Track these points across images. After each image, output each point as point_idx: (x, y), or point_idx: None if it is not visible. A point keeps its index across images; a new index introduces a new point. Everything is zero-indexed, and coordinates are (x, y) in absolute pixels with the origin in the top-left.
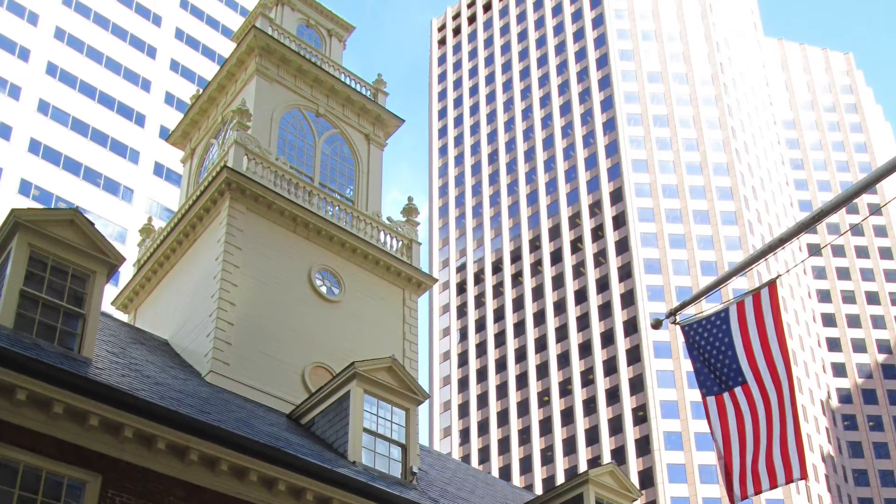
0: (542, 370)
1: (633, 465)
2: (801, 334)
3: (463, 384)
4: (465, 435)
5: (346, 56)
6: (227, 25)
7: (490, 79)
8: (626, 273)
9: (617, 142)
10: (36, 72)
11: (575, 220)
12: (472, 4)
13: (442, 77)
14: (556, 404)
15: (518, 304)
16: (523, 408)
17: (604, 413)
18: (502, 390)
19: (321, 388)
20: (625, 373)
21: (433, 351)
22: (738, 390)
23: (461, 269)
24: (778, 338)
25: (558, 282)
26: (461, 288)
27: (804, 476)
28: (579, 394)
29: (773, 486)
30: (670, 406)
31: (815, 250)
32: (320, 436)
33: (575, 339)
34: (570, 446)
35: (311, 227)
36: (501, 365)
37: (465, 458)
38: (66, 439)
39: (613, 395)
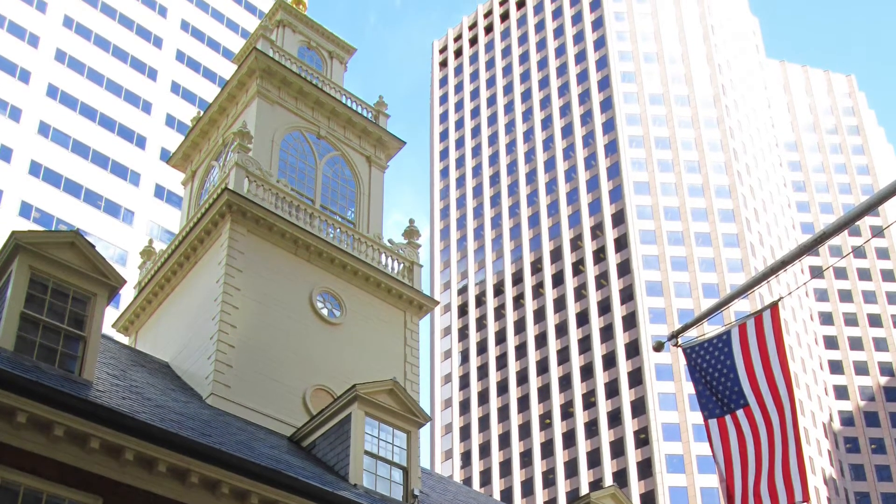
0: (544, 393)
1: (635, 487)
2: (803, 357)
3: (464, 407)
4: (466, 457)
5: (348, 78)
6: (228, 47)
7: (492, 101)
8: (627, 295)
9: (619, 164)
10: (36, 94)
11: (576, 243)
12: (473, 26)
13: (443, 99)
14: (558, 427)
15: (519, 327)
16: (525, 430)
17: (605, 436)
18: (504, 413)
19: (322, 410)
20: (626, 395)
21: (434, 373)
22: (739, 413)
23: (462, 291)
24: (780, 360)
25: (560, 304)
26: (462, 310)
27: (806, 498)
28: (581, 416)
29: None
30: (672, 429)
31: (817, 273)
32: (321, 458)
33: (576, 361)
34: (571, 469)
35: (313, 249)
36: (503, 387)
37: (467, 481)
38: (66, 462)
39: (615, 418)
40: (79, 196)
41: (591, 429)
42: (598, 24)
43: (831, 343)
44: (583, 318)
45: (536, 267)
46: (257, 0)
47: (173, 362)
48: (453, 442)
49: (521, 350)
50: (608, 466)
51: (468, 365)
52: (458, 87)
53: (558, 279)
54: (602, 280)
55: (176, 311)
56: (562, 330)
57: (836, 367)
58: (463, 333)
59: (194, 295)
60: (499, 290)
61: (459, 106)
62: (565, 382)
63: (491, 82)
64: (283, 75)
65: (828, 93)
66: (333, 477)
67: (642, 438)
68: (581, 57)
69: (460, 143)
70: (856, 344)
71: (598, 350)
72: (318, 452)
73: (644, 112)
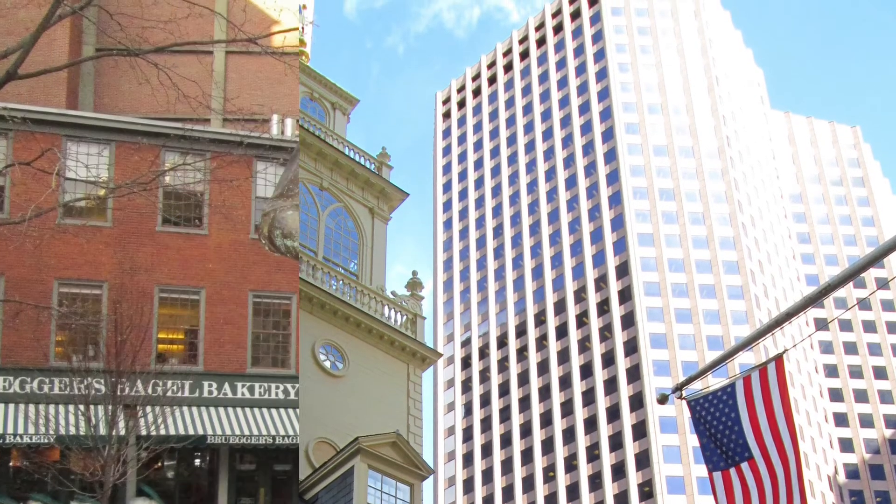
0: (548, 445)
1: None
2: (808, 409)
3: (467, 459)
4: None
5: (350, 129)
6: None
7: (495, 152)
8: (631, 347)
9: (623, 215)
10: None
11: (580, 295)
12: (476, 77)
13: (446, 150)
14: (562, 480)
15: (523, 379)
16: (528, 483)
17: (609, 489)
18: (507, 466)
19: (325, 463)
20: (630, 448)
21: (437, 426)
22: (744, 466)
23: (466, 343)
24: (785, 413)
25: (563, 356)
26: (466, 363)
27: None
28: (585, 469)
29: None
30: (676, 482)
31: (822, 325)
32: None
33: (580, 413)
34: None
35: (315, 301)
36: (506, 440)
37: None
38: None
39: (619, 471)
40: None
41: (595, 482)
42: (601, 75)
43: (836, 395)
44: (587, 371)
45: (540, 319)
46: None
47: None
48: (457, 495)
49: (525, 403)
50: None
51: (471, 417)
52: (462, 139)
53: (562, 331)
54: (606, 332)
55: None
56: (565, 382)
57: (841, 419)
58: (466, 386)
59: None
60: (502, 342)
61: (462, 157)
62: (569, 435)
63: (494, 133)
64: None
65: (833, 144)
66: None
67: (646, 491)
68: (585, 108)
69: (463, 194)
70: (861, 396)
71: (602, 402)
72: None
73: (648, 163)
